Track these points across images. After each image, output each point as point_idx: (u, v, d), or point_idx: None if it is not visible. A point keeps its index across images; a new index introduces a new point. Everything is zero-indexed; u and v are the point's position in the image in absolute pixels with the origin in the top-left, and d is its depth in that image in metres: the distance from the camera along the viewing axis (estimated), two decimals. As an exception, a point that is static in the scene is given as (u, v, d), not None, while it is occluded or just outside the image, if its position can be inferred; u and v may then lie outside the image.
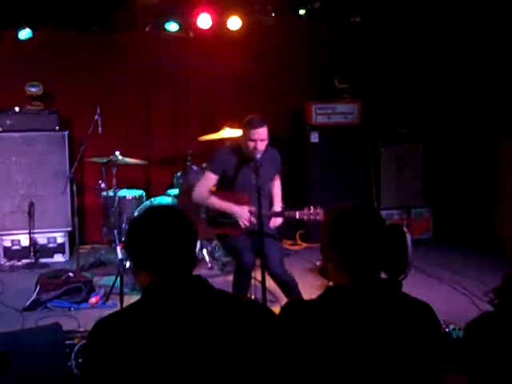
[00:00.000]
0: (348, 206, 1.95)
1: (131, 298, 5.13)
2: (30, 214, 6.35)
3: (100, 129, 5.77)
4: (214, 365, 1.54)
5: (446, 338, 1.97)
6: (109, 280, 5.46)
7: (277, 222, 4.43)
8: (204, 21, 6.44)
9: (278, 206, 4.56)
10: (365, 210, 1.94)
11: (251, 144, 4.23)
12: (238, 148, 4.45)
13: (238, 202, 4.32)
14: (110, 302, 5.04)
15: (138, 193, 6.45)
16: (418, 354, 1.83)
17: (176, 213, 1.83)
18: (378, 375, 1.78)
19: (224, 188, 4.45)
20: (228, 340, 1.57)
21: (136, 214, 1.97)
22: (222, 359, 1.54)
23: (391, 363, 1.79)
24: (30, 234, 6.35)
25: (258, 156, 4.17)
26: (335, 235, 1.90)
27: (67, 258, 6.55)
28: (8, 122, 6.38)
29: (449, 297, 5.16)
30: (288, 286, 4.36)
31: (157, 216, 1.82)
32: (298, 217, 4.27)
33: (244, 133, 4.32)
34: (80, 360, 3.51)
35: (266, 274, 4.15)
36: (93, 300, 5.01)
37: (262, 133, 4.23)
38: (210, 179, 4.45)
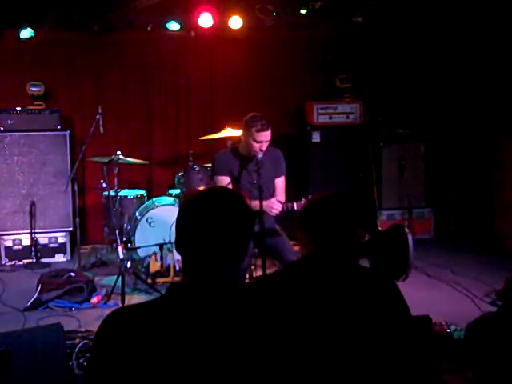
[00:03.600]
0: (321, 195, 2.12)
1: (132, 298, 5.14)
2: (32, 214, 6.36)
3: (101, 128, 5.77)
4: (221, 372, 1.50)
5: (408, 312, 1.96)
6: (110, 280, 5.47)
7: (272, 208, 4.30)
8: (205, 20, 6.43)
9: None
10: (334, 196, 2.10)
11: (256, 145, 4.25)
12: (236, 148, 4.47)
13: None
14: (111, 302, 5.03)
15: (139, 193, 6.46)
16: (381, 325, 1.84)
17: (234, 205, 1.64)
18: (344, 348, 1.80)
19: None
20: (237, 351, 1.52)
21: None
22: (230, 368, 1.50)
23: (356, 334, 1.81)
24: (31, 233, 6.36)
25: (260, 156, 4.19)
26: (304, 217, 2.07)
27: (68, 258, 6.55)
28: (9, 122, 6.39)
29: (450, 297, 5.15)
30: None
31: (212, 208, 1.61)
32: (296, 208, 4.27)
33: (246, 133, 4.32)
34: (81, 360, 3.52)
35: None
36: (94, 300, 5.01)
37: (267, 135, 4.26)
38: (223, 181, 4.42)
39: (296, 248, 6.84)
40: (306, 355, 1.62)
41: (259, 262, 4.24)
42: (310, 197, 4.32)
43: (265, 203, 4.15)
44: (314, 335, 1.78)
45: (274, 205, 4.24)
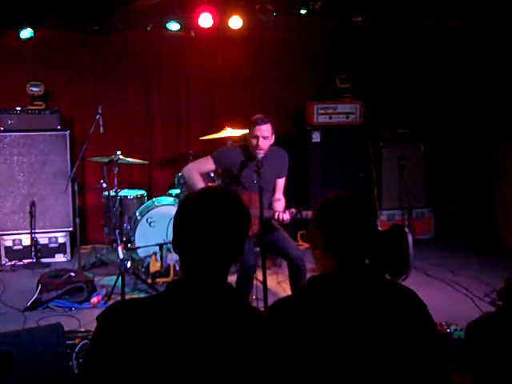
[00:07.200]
0: (335, 195, 2.00)
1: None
2: (32, 214, 6.36)
3: (101, 128, 5.77)
4: (216, 374, 1.51)
5: (434, 324, 1.95)
6: (110, 280, 5.47)
7: (284, 217, 4.27)
8: (205, 20, 6.44)
9: (280, 206, 4.52)
10: (351, 198, 1.99)
11: (254, 141, 4.25)
12: (245, 145, 4.46)
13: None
14: (111, 302, 5.02)
15: (139, 193, 6.46)
16: (410, 339, 1.82)
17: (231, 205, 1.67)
18: (374, 362, 1.77)
19: (228, 185, 4.46)
20: (233, 351, 1.53)
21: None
22: (225, 370, 1.52)
23: (386, 349, 1.79)
24: (31, 233, 6.36)
25: (261, 155, 4.19)
26: (322, 220, 1.94)
27: (68, 258, 6.55)
28: (9, 122, 6.39)
29: (450, 297, 5.16)
30: (301, 271, 4.32)
31: (209, 206, 1.65)
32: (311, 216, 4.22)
33: (249, 130, 4.34)
34: (81, 360, 3.51)
35: (286, 260, 4.35)
36: (94, 300, 5.00)
37: (264, 130, 4.23)
38: (208, 165, 4.47)
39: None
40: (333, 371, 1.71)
41: (259, 262, 4.23)
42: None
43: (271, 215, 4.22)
44: (344, 351, 1.78)
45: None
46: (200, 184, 4.36)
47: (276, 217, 4.25)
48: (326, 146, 7.04)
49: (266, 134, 4.25)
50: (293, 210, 4.28)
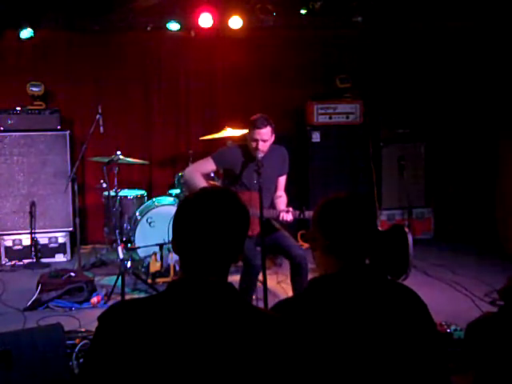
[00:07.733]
0: (336, 196, 2.00)
1: (132, 298, 5.13)
2: (32, 214, 6.36)
3: (101, 128, 5.77)
4: (217, 374, 1.52)
5: (434, 324, 1.95)
6: (110, 280, 5.47)
7: (287, 217, 4.32)
8: (205, 20, 6.44)
9: (282, 203, 4.54)
10: (351, 199, 1.99)
11: (254, 144, 4.28)
12: (246, 146, 4.47)
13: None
14: (111, 302, 5.02)
15: (139, 193, 6.46)
16: (410, 339, 1.82)
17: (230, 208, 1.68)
18: (374, 362, 1.77)
19: (229, 185, 4.47)
20: (235, 351, 1.53)
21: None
22: (227, 370, 1.52)
23: (386, 349, 1.79)
24: (31, 233, 6.36)
25: (260, 156, 4.20)
26: (323, 221, 1.94)
27: (68, 258, 6.55)
28: (9, 122, 6.38)
29: (450, 297, 5.16)
30: (303, 270, 4.32)
31: (208, 206, 1.65)
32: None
33: (248, 131, 4.37)
34: (81, 360, 3.51)
35: (288, 259, 4.36)
36: (94, 300, 5.01)
37: (264, 133, 4.25)
38: (209, 165, 4.48)
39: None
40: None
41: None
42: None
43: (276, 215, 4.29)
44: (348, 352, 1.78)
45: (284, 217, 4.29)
46: (203, 185, 4.36)
47: (280, 218, 4.27)
48: (326, 146, 7.03)
49: (265, 138, 4.27)
50: (291, 208, 4.33)
